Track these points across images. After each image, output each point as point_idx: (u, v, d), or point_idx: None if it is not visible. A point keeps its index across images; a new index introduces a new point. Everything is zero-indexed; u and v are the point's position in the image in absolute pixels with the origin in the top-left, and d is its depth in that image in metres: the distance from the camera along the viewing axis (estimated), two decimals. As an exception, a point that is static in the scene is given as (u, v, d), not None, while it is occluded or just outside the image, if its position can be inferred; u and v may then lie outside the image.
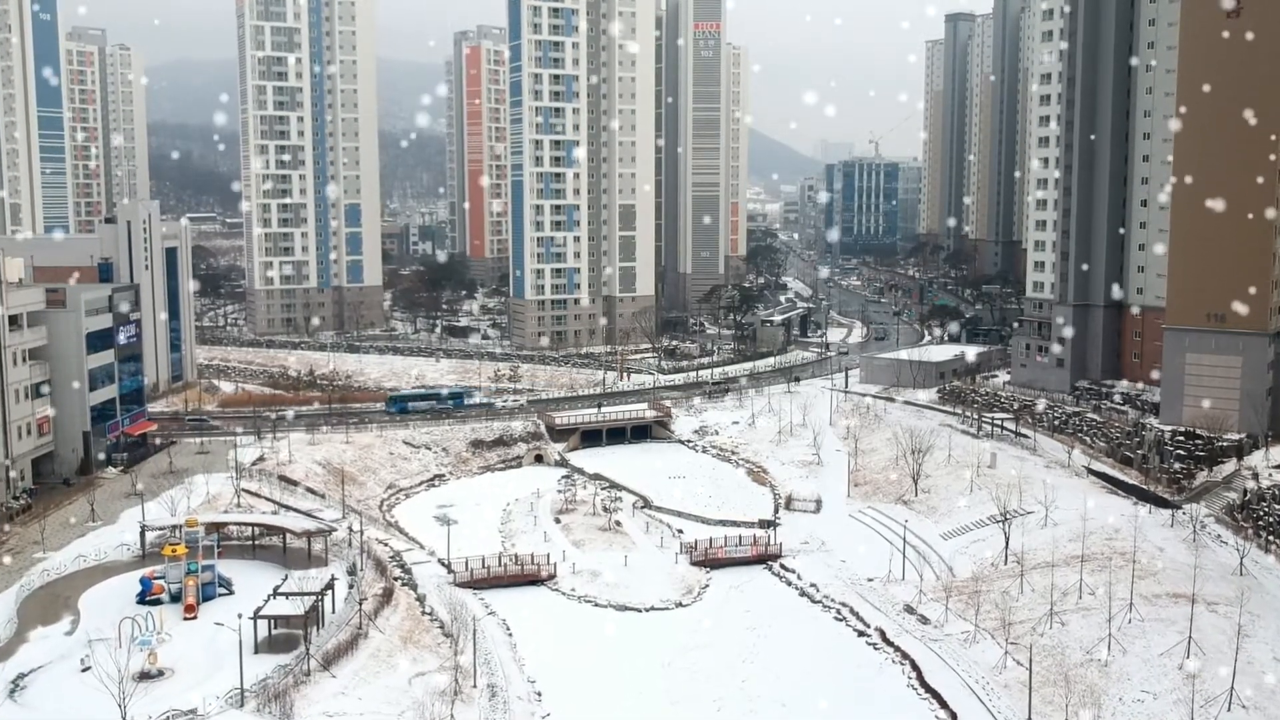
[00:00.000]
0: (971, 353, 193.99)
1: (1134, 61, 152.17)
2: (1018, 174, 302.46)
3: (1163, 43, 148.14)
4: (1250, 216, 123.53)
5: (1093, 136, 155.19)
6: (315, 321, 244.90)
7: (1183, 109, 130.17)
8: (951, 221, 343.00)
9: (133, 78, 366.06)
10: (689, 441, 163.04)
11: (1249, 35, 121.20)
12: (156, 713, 72.13)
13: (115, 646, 79.82)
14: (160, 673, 78.74)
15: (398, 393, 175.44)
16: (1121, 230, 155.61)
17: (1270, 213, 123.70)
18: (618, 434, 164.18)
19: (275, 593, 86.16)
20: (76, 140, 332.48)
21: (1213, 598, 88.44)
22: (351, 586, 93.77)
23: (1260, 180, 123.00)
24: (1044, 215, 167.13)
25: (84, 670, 77.95)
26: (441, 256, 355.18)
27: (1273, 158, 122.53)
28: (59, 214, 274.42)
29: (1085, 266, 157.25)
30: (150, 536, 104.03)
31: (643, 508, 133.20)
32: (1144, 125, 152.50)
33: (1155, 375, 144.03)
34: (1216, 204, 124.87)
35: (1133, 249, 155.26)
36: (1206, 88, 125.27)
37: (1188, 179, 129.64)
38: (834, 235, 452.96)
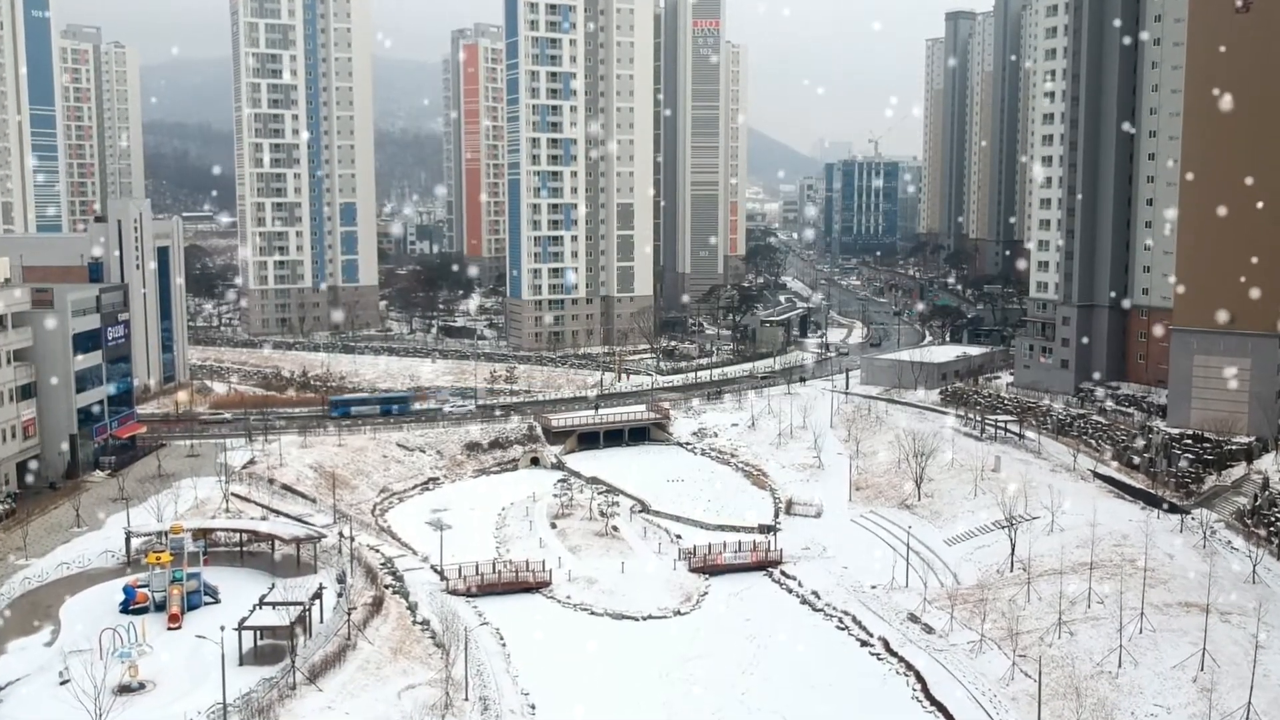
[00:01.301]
0: (974, 353, 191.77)
1: (1141, 39, 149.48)
2: (1020, 167, 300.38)
3: (1169, 38, 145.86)
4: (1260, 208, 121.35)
5: (1098, 133, 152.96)
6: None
7: (1191, 103, 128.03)
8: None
9: (129, 76, 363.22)
10: (687, 444, 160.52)
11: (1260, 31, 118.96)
12: (135, 728, 69.78)
13: (96, 658, 77.45)
14: (141, 686, 76.32)
15: (340, 396, 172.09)
16: (1127, 229, 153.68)
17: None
18: (615, 436, 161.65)
19: (261, 602, 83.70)
20: (71, 139, 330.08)
21: (1225, 607, 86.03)
22: (340, 595, 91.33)
23: (1271, 176, 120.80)
24: (1048, 214, 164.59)
25: (62, 683, 75.42)
26: (438, 256, 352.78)
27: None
28: (52, 213, 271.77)
29: (1090, 267, 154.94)
30: (135, 543, 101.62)
31: (640, 512, 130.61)
32: (1150, 124, 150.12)
33: (1162, 377, 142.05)
34: (1225, 203, 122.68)
35: (1138, 249, 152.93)
36: (1216, 72, 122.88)
37: (1195, 177, 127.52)
38: (834, 234, 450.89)
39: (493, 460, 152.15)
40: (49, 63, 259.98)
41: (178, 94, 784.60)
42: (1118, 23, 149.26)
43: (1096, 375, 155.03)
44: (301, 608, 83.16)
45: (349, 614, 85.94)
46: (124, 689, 75.14)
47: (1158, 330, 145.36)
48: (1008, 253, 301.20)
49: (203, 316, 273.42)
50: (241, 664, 79.01)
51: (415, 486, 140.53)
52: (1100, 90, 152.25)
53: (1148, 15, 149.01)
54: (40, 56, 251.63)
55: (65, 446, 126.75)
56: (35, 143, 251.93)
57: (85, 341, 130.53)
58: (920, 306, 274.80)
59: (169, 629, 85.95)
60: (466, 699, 79.59)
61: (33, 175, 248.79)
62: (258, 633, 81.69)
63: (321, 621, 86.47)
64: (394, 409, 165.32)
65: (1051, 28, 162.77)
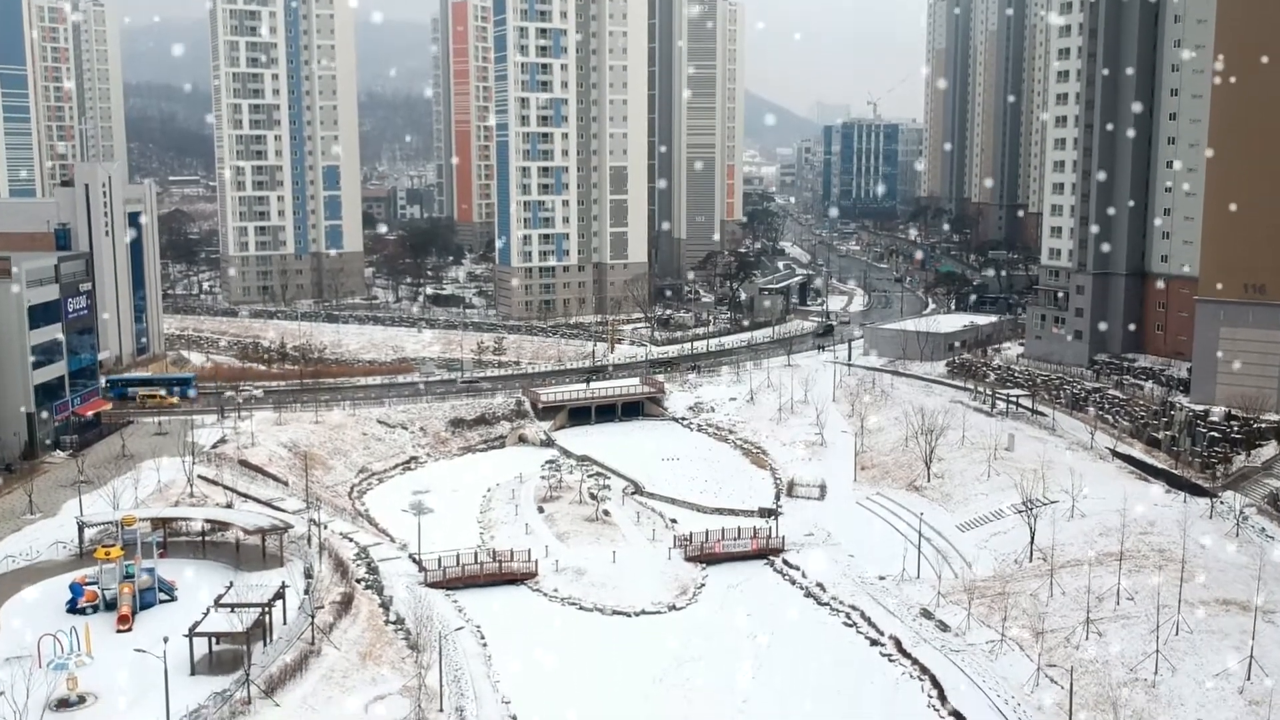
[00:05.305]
0: (982, 322, 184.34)
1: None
2: (1024, 129, 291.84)
3: None
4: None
5: (1115, 91, 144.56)
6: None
7: (1220, 57, 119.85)
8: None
9: (108, 35, 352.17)
10: (683, 419, 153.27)
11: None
12: (70, 750, 62.80)
13: (35, 666, 70.37)
14: (81, 699, 69.10)
15: (115, 376, 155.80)
16: (1146, 193, 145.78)
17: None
18: (607, 411, 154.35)
19: (216, 604, 76.38)
20: (50, 101, 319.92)
21: (1269, 605, 79.22)
22: (306, 592, 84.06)
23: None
24: (1061, 178, 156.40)
25: (-6, 696, 68.31)
26: (427, 221, 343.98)
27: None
28: (26, 177, 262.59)
29: (1106, 233, 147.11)
30: (90, 533, 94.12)
31: (633, 494, 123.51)
32: (1172, 80, 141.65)
33: (1181, 349, 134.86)
34: (1255, 165, 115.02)
35: (1158, 213, 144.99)
36: (1247, 25, 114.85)
37: (1224, 137, 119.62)
38: (832, 198, 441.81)
39: (478, 437, 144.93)
40: (18, 19, 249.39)
41: (166, 56, 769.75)
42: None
43: (1111, 347, 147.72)
44: (260, 610, 75.83)
45: (313, 616, 78.69)
46: (62, 703, 68.14)
47: (1179, 300, 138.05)
48: (1010, 222, 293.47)
49: (183, 285, 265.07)
50: (194, 673, 71.88)
51: (396, 466, 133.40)
52: (1119, 46, 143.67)
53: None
54: (8, 12, 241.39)
55: (21, 426, 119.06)
56: (5, 104, 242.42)
57: (43, 314, 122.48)
58: (917, 275, 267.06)
59: (118, 631, 78.65)
60: (441, 710, 72.63)
61: (3, 137, 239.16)
62: (213, 638, 74.46)
63: (284, 623, 79.18)
64: (175, 390, 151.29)
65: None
